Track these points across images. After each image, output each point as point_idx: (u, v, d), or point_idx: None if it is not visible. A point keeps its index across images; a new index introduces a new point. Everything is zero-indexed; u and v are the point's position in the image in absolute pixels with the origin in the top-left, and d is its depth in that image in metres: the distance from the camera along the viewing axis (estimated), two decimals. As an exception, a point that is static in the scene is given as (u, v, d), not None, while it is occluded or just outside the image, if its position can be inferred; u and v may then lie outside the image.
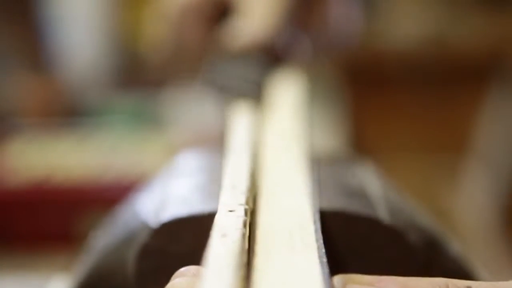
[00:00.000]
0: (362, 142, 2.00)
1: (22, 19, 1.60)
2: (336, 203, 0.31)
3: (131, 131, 1.09)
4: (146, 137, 1.02)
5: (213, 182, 0.33)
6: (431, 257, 0.31)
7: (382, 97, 2.11)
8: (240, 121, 0.38)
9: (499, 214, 1.67)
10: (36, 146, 0.99)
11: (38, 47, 1.58)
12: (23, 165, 0.93)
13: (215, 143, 0.45)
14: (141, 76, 1.61)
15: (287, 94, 0.45)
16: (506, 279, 0.33)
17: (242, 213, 0.28)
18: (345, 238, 0.31)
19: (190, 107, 1.27)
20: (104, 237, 0.33)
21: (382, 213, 0.31)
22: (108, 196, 0.72)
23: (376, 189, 0.34)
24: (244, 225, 0.27)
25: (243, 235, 0.26)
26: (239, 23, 0.52)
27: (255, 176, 0.33)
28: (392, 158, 1.91)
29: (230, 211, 0.28)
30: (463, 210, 1.78)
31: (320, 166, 0.35)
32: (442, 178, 1.95)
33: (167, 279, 0.30)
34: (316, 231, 0.28)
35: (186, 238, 0.30)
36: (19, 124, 1.17)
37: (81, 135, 1.05)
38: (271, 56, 0.50)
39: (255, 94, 0.42)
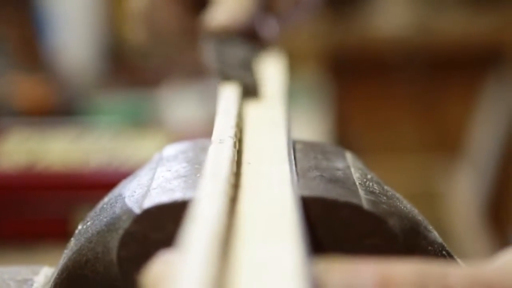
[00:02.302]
0: (346, 137, 2.00)
1: (17, 20, 1.60)
2: (317, 190, 0.32)
3: (123, 128, 1.09)
4: (139, 134, 1.03)
5: (198, 171, 0.33)
6: (412, 243, 0.32)
7: (368, 89, 2.11)
8: (225, 108, 0.38)
9: (483, 209, 1.68)
10: (31, 143, 0.99)
11: (34, 47, 1.58)
12: (18, 160, 0.94)
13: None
14: (134, 76, 1.61)
15: (269, 78, 0.45)
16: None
17: (222, 200, 0.28)
18: (326, 225, 0.31)
19: (181, 105, 1.27)
20: (89, 222, 0.33)
21: (363, 200, 0.31)
22: (101, 189, 0.72)
23: (356, 176, 0.34)
24: (224, 213, 0.27)
25: (223, 223, 0.26)
26: (214, 7, 0.54)
27: (236, 164, 0.33)
28: (379, 154, 1.91)
29: (208, 198, 0.28)
30: (452, 207, 1.78)
31: (301, 152, 0.36)
32: (432, 173, 1.95)
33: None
34: (297, 219, 0.28)
35: (168, 224, 0.30)
36: (14, 121, 1.17)
37: (75, 132, 1.05)
38: (251, 39, 0.52)
39: (251, 80, 0.43)
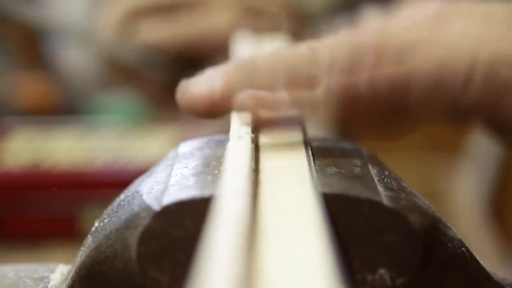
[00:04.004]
0: (348, 136, 1.99)
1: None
2: (337, 186, 0.31)
3: (129, 127, 1.09)
4: (145, 132, 1.03)
5: (215, 168, 0.33)
6: (432, 239, 0.32)
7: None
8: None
9: (486, 207, 1.67)
10: (35, 142, 0.99)
11: (36, 45, 1.58)
12: (23, 159, 0.93)
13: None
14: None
15: None
16: (490, 267, 0.34)
17: (246, 197, 0.28)
18: (346, 221, 0.31)
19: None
20: (106, 220, 0.33)
21: (383, 196, 0.31)
22: (107, 187, 0.72)
23: (374, 172, 0.34)
24: (248, 210, 0.27)
25: (248, 220, 0.26)
26: None
27: (255, 161, 0.33)
28: (380, 152, 1.90)
29: (232, 195, 0.28)
30: (454, 205, 1.78)
31: (318, 149, 0.36)
32: (434, 172, 1.95)
33: (168, 262, 0.30)
34: (320, 215, 0.28)
35: (188, 221, 0.30)
36: (18, 120, 1.17)
37: (80, 131, 1.05)
38: None
39: None
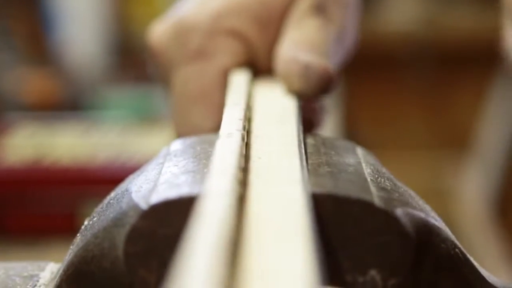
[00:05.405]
0: (355, 133, 1.99)
1: (25, 14, 1.60)
2: (328, 186, 0.31)
3: (131, 123, 1.09)
4: (146, 128, 1.03)
5: (206, 166, 0.33)
6: (425, 240, 0.31)
7: (377, 85, 2.09)
8: (234, 99, 0.38)
9: (492, 205, 1.67)
10: (38, 137, 0.99)
11: (41, 41, 1.58)
12: (26, 154, 0.93)
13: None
14: (142, 70, 1.61)
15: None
16: (496, 266, 0.33)
17: (230, 200, 0.27)
18: (337, 222, 0.30)
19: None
20: (95, 218, 0.33)
21: (374, 196, 0.31)
22: (108, 183, 0.72)
23: (368, 172, 0.33)
24: (232, 213, 0.26)
25: (231, 224, 0.26)
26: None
27: (245, 159, 0.32)
28: (387, 149, 1.90)
29: (215, 197, 0.27)
30: (461, 203, 1.77)
31: (312, 147, 0.35)
32: (441, 169, 1.94)
33: (156, 262, 0.30)
34: (308, 219, 0.27)
35: (175, 220, 0.30)
36: (22, 116, 1.17)
37: (83, 127, 1.05)
38: None
39: None
